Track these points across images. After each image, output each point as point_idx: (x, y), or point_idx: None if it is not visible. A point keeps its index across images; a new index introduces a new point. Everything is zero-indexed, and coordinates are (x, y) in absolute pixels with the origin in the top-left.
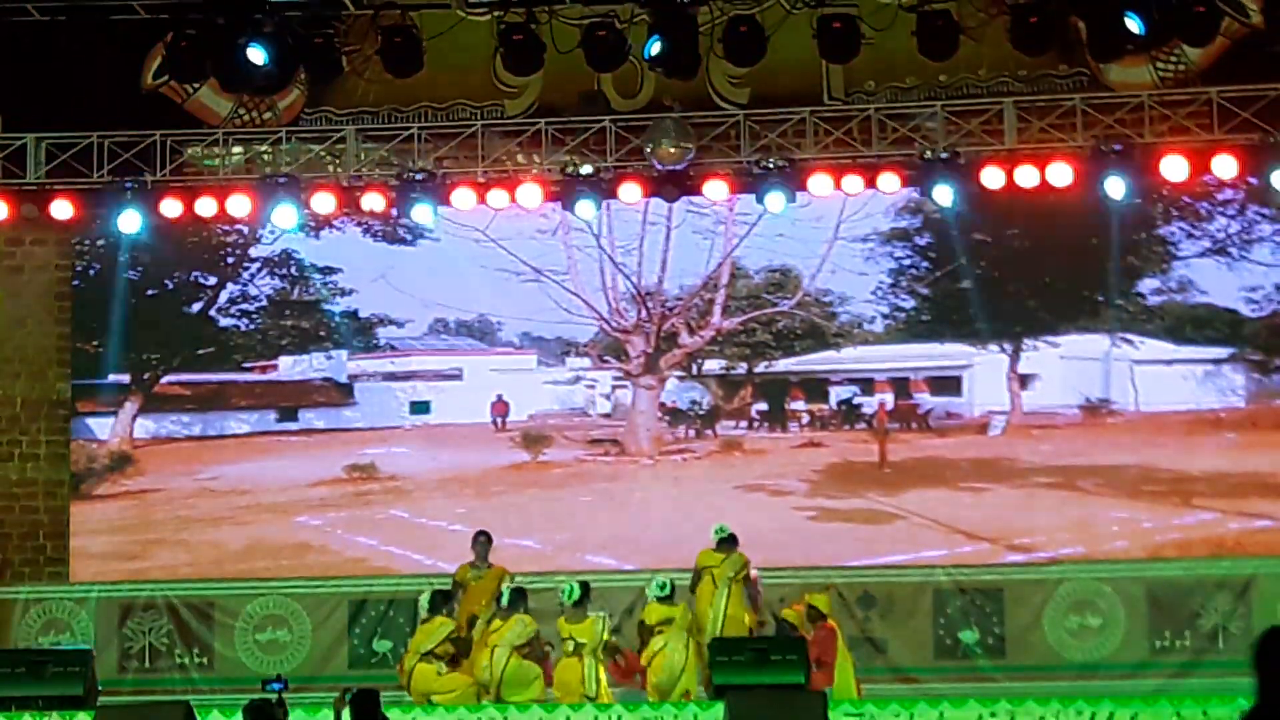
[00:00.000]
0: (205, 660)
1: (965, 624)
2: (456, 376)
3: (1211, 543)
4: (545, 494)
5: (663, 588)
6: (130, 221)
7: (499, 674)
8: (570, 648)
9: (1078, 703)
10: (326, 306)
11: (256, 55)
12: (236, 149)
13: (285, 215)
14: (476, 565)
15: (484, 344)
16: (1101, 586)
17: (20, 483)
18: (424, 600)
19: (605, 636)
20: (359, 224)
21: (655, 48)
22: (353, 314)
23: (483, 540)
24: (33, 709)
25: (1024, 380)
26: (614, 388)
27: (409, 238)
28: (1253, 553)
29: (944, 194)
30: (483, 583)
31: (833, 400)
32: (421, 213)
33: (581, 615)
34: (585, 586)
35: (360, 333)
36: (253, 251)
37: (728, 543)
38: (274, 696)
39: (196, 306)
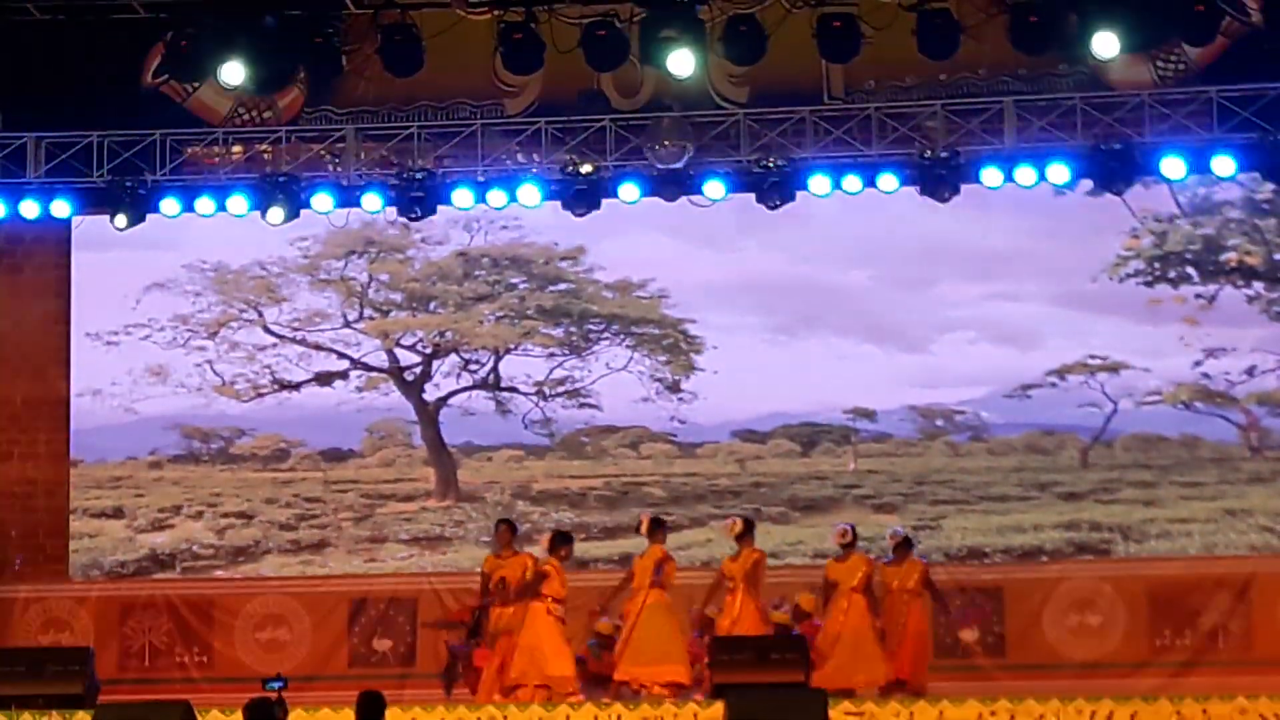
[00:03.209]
0: (205, 659)
1: (965, 622)
2: None
3: None
4: None
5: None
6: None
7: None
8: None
9: (1077, 701)
10: None
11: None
12: (236, 148)
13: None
14: (500, 555)
15: None
16: (1101, 585)
17: (20, 481)
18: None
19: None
20: None
21: (684, 68)
22: None
23: (505, 529)
24: (32, 708)
25: None
26: None
27: None
28: None
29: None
30: (508, 571)
31: None
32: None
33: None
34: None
35: None
36: None
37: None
38: (274, 695)
39: None
